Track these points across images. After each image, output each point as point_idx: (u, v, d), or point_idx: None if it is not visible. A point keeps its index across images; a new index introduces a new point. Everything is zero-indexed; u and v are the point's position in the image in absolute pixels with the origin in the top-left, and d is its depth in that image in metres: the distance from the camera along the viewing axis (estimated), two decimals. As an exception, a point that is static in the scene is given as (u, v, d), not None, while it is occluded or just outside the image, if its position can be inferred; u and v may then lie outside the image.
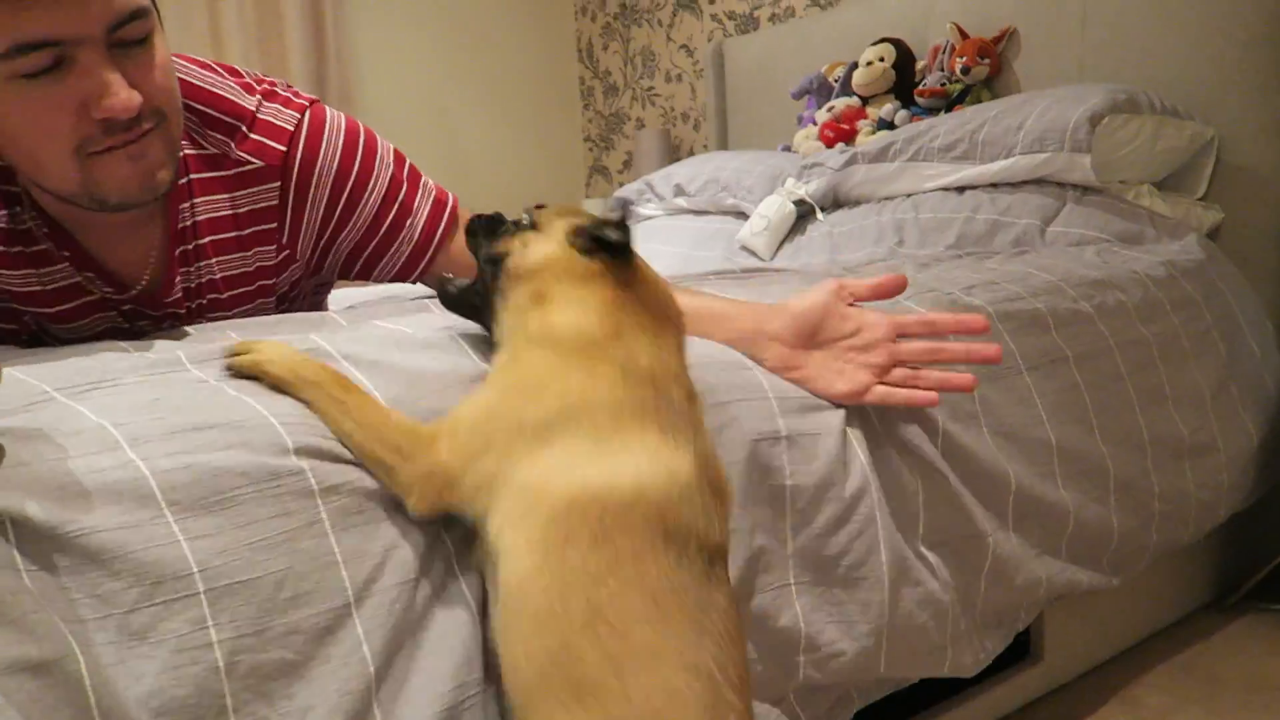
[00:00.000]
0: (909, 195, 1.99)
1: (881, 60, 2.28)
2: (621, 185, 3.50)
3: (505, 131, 3.64)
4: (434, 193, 1.06)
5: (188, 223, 0.96)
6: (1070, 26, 2.05)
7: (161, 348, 0.79)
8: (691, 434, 0.71)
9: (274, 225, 0.99)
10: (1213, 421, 1.43)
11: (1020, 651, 1.34)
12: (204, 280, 0.99)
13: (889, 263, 1.61)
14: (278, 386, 0.71)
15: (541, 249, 0.77)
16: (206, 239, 0.98)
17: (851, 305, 0.94)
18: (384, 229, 1.03)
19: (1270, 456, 1.56)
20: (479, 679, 0.70)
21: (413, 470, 0.68)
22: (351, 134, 1.00)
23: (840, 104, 2.35)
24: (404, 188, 1.04)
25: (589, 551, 0.64)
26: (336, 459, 0.69)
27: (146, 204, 0.88)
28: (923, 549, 1.01)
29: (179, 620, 0.60)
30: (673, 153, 3.33)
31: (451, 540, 0.73)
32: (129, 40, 0.80)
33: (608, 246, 0.75)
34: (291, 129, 0.97)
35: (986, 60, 2.13)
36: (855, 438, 0.96)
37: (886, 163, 2.01)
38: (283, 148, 0.96)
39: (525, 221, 0.80)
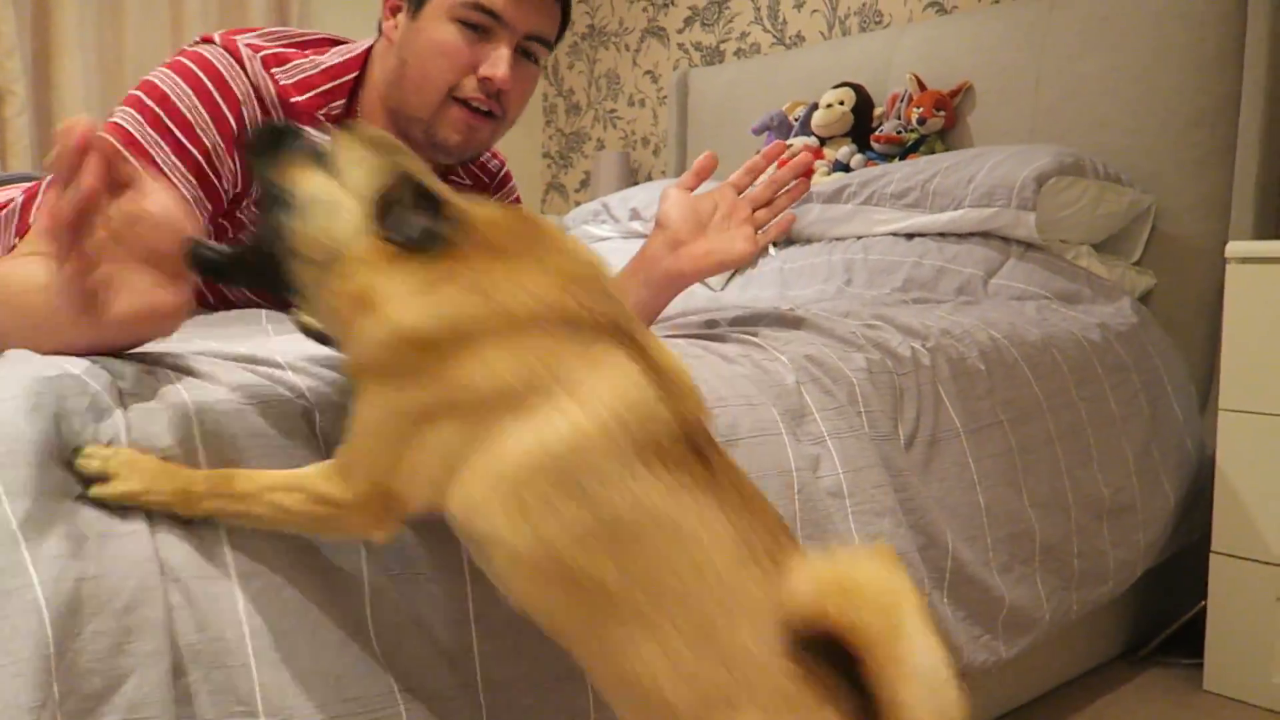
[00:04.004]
0: (859, 237, 2.04)
1: (841, 104, 2.33)
2: (578, 205, 3.51)
3: (464, 140, 3.62)
4: None
5: None
6: (1024, 88, 2.13)
7: None
8: (596, 351, 0.64)
9: None
10: (1134, 483, 1.48)
11: (939, 693, 1.36)
12: None
13: (835, 301, 1.65)
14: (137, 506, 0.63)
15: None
16: None
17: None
18: None
19: (1185, 516, 1.62)
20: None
21: (353, 509, 0.65)
22: (516, 189, 1.36)
23: (799, 143, 2.40)
24: None
25: (559, 504, 0.61)
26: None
27: (447, 157, 1.11)
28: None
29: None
30: (631, 176, 3.36)
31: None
32: (526, 52, 1.08)
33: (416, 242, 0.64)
34: (495, 171, 1.32)
35: (942, 113, 2.19)
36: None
37: (840, 204, 2.06)
38: (488, 180, 1.29)
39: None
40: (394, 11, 1.09)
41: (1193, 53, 1.86)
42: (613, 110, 3.56)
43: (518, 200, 1.34)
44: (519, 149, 3.81)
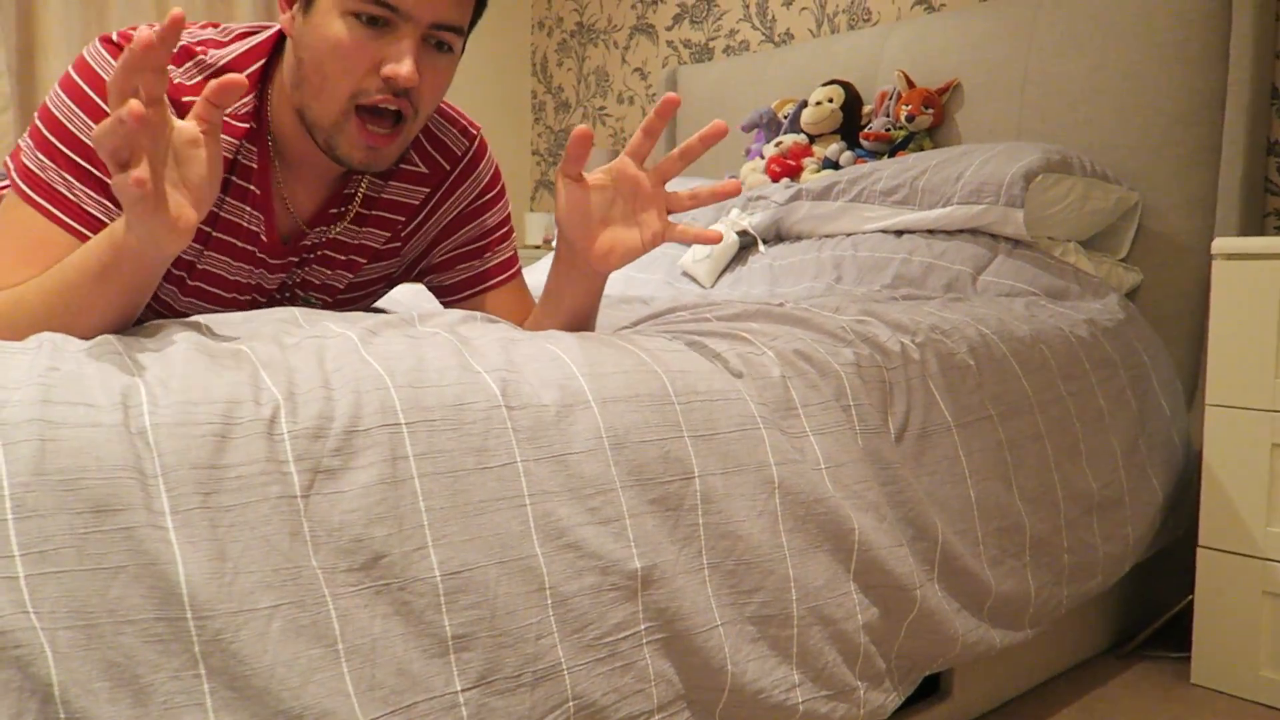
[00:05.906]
0: (849, 234, 2.04)
1: (830, 101, 2.34)
2: (567, 201, 3.50)
3: (453, 138, 3.62)
4: (514, 246, 1.24)
5: (351, 190, 1.09)
6: (1011, 86, 2.13)
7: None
8: None
9: (403, 219, 1.14)
10: (1122, 477, 1.49)
11: (930, 688, 1.37)
12: (323, 240, 1.11)
13: (824, 298, 1.65)
14: None
15: None
16: (351, 208, 1.10)
17: (583, 178, 0.98)
18: (474, 251, 1.18)
19: (1172, 511, 1.63)
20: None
21: None
22: (498, 175, 1.20)
23: (788, 140, 2.40)
24: (507, 229, 1.22)
25: None
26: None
27: (350, 168, 1.01)
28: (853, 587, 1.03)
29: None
30: (620, 173, 3.35)
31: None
32: (437, 42, 0.97)
33: None
34: (460, 154, 1.16)
35: (930, 110, 2.20)
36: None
37: (829, 201, 2.06)
38: (449, 168, 1.15)
39: None
40: (289, 3, 1.00)
41: (1179, 50, 1.87)
42: (602, 108, 3.56)
43: (495, 179, 1.20)
44: (507, 146, 3.81)
